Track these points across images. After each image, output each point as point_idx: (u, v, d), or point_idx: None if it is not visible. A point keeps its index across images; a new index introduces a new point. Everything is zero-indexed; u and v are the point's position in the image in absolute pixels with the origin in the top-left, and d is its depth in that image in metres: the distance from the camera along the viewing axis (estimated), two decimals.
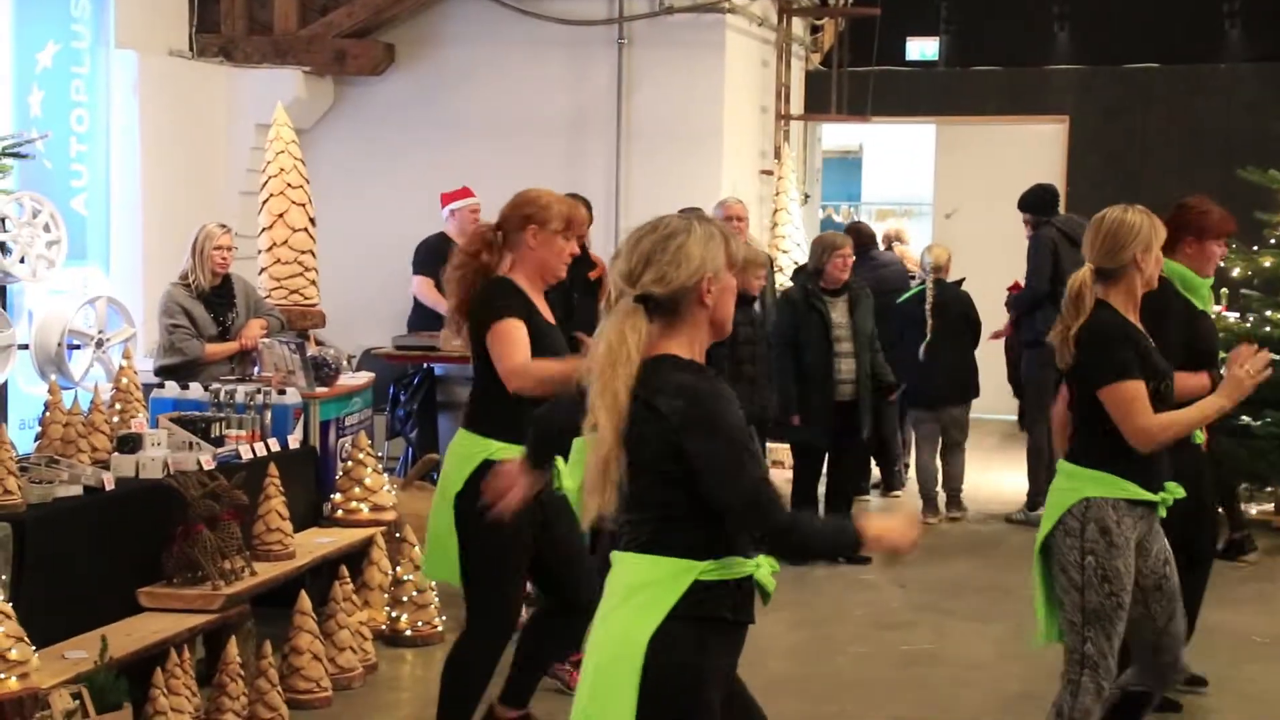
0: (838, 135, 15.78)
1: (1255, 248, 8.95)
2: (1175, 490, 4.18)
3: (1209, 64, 12.68)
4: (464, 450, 4.54)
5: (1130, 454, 4.07)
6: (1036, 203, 9.17)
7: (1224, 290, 9.25)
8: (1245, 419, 8.37)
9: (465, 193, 8.93)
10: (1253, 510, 8.84)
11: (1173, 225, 5.10)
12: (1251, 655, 6.28)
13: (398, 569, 6.24)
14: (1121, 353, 4.08)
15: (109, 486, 5.20)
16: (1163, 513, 4.18)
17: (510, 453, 4.19)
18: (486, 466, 4.25)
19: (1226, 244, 5.46)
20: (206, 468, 5.52)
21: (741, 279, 3.35)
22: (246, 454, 5.96)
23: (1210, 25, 12.21)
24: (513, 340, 4.40)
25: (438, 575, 4.72)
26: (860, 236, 9.74)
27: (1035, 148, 13.14)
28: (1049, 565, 4.19)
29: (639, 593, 2.97)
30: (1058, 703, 4.15)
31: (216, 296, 7.02)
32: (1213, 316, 5.37)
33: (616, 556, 3.06)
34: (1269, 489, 8.69)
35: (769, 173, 11.53)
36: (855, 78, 12.49)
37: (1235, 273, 8.90)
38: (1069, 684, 4.13)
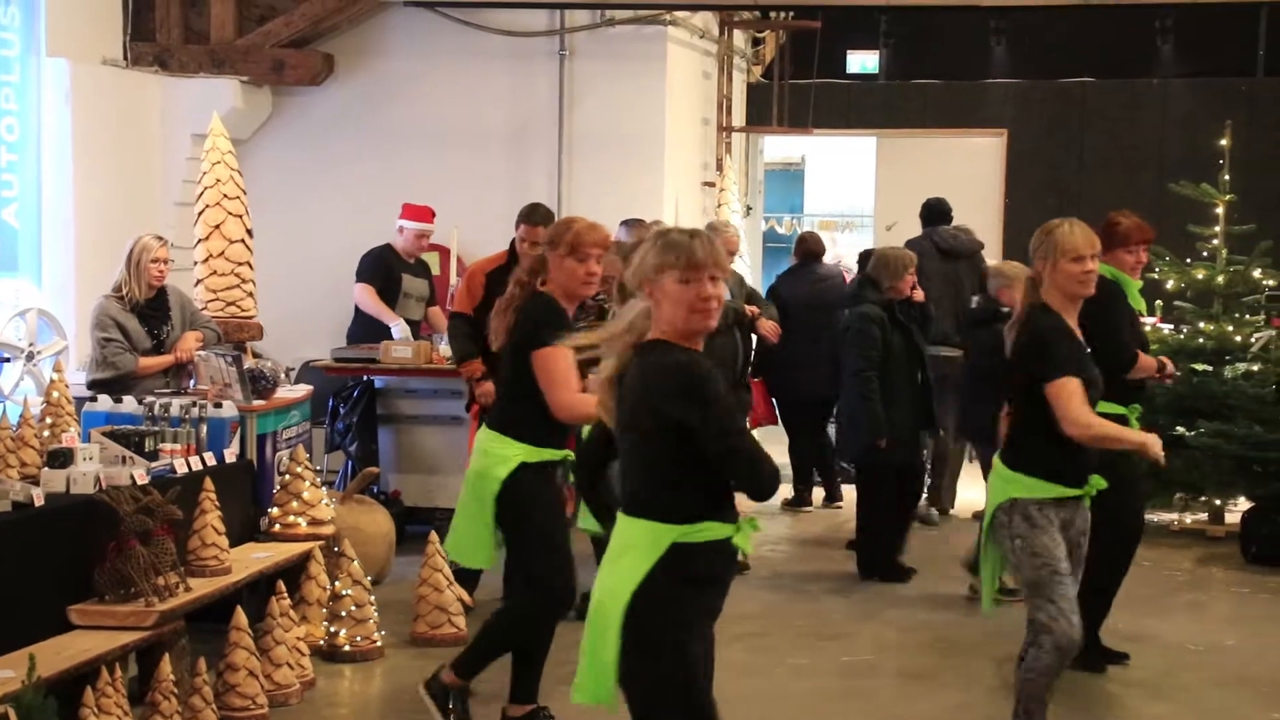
0: (780, 147, 15.86)
1: (1188, 260, 9.06)
2: (1098, 482, 4.71)
3: (1143, 79, 12.84)
4: (500, 452, 4.93)
5: (1057, 454, 4.63)
6: (925, 214, 9.75)
7: (1158, 302, 9.36)
8: (1180, 429, 8.46)
9: (424, 214, 8.89)
10: (1187, 519, 8.93)
11: (1101, 238, 5.60)
12: (1185, 664, 6.33)
13: (336, 584, 6.18)
14: (1061, 351, 4.60)
15: (38, 502, 5.10)
16: (1087, 501, 4.75)
17: (542, 456, 4.89)
18: (523, 469, 4.87)
19: (1146, 251, 5.88)
20: (140, 482, 5.44)
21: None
22: (181, 468, 5.88)
23: (1144, 41, 12.37)
24: (559, 371, 4.76)
25: (475, 562, 5.17)
26: (807, 247, 9.76)
27: (975, 160, 13.25)
28: (993, 547, 4.82)
29: (625, 554, 3.42)
30: (1027, 662, 4.69)
31: (151, 309, 6.93)
32: (1140, 314, 5.96)
33: (619, 515, 3.52)
34: (1203, 499, 8.78)
35: (711, 184, 11.56)
36: (796, 90, 12.56)
37: (1169, 285, 9.00)
38: (1032, 646, 4.68)
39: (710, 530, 3.41)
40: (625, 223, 9.04)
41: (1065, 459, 4.66)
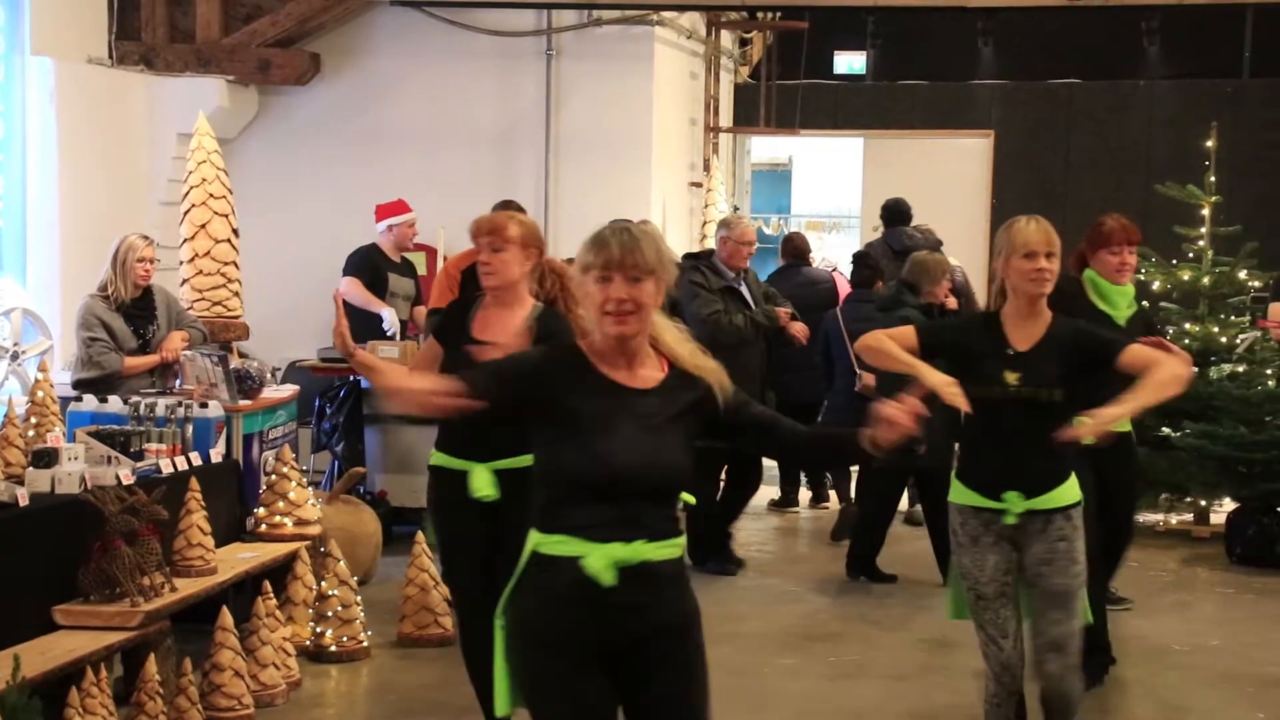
0: (767, 148, 15.86)
1: (1174, 261, 9.08)
2: (1014, 501, 4.30)
3: (1129, 80, 12.87)
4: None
5: (971, 461, 4.46)
6: (885, 216, 9.93)
7: (1144, 303, 9.37)
8: (1165, 430, 8.48)
9: (402, 206, 8.88)
10: (1172, 520, 8.95)
11: (1086, 240, 5.67)
12: (1170, 663, 6.35)
13: (322, 584, 6.17)
14: (935, 322, 4.63)
15: (23, 502, 5.08)
16: (1010, 520, 4.32)
17: (447, 463, 4.75)
18: (434, 474, 4.85)
19: (1133, 254, 5.60)
20: (125, 482, 5.42)
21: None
22: (167, 468, 5.86)
23: (1130, 43, 12.39)
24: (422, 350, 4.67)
25: None
26: (795, 248, 9.76)
27: (961, 161, 13.26)
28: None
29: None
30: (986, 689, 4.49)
31: (137, 309, 6.91)
32: (1122, 324, 5.49)
33: None
34: (1188, 499, 8.80)
35: (698, 185, 11.57)
36: (783, 91, 12.56)
37: (1155, 286, 9.02)
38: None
39: (567, 546, 3.15)
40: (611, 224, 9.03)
41: (974, 467, 4.43)
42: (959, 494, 4.44)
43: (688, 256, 8.25)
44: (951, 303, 7.89)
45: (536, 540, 3.18)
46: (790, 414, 9.29)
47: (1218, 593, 7.63)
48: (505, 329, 4.71)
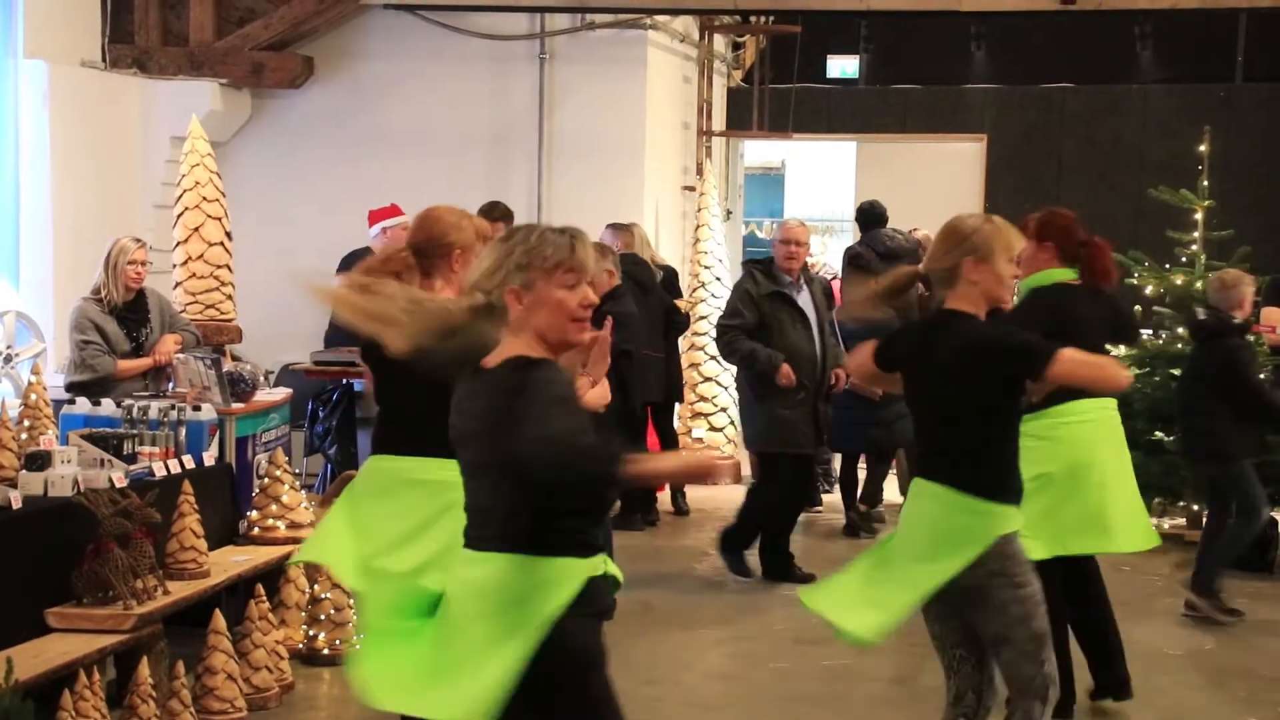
0: (760, 152, 15.87)
1: (1167, 266, 9.09)
2: None
3: (1122, 84, 12.90)
4: None
5: (1015, 479, 4.04)
6: (862, 219, 9.97)
7: (1137, 308, 9.39)
8: (1159, 434, 8.48)
9: (395, 210, 8.87)
10: (1165, 525, 8.95)
11: (1039, 235, 5.34)
12: (1163, 667, 6.36)
13: (315, 587, 6.16)
14: (1029, 334, 4.11)
15: (16, 505, 5.08)
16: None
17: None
18: None
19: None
20: (118, 485, 5.42)
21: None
22: (160, 471, 5.86)
23: (1123, 47, 12.43)
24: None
25: None
26: None
27: (954, 166, 13.29)
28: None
29: None
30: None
31: (130, 311, 6.90)
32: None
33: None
34: (1181, 504, 8.81)
35: (691, 189, 11.57)
36: (777, 95, 12.57)
37: (1148, 290, 9.03)
38: (1037, 703, 4.07)
39: None
40: (611, 226, 9.05)
41: (1015, 478, 4.02)
42: (1016, 521, 3.98)
43: (748, 262, 8.26)
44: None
45: (589, 566, 3.01)
46: None
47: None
48: None
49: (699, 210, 10.99)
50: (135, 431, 6.03)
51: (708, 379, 10.45)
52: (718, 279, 10.56)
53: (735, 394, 10.38)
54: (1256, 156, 12.32)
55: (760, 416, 7.63)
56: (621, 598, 3.58)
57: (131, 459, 5.79)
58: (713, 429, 10.49)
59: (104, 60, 9.56)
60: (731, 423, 10.50)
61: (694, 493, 10.13)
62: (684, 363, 10.02)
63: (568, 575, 2.98)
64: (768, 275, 7.61)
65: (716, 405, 10.45)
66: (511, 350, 3.00)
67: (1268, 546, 8.12)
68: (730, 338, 7.57)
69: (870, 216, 9.87)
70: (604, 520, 3.13)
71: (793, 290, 7.62)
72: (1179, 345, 8.75)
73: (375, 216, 8.91)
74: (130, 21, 9.82)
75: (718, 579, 7.82)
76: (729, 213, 12.85)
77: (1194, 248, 8.97)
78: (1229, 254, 8.93)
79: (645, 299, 8.69)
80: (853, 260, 9.56)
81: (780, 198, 17.75)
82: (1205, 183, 8.90)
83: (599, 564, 3.05)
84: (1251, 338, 8.67)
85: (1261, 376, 8.61)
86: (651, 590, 7.38)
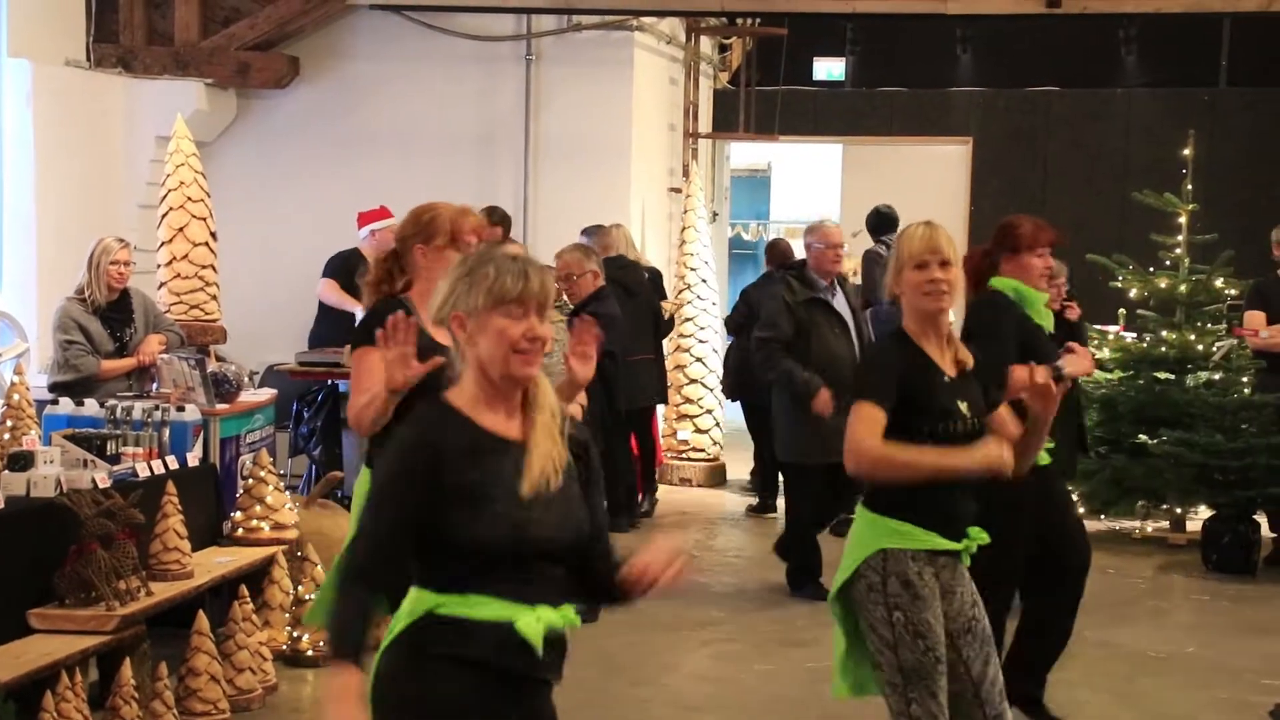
0: (746, 154, 15.90)
1: (1151, 269, 9.12)
2: (979, 536, 3.86)
3: (1107, 88, 12.93)
4: None
5: (919, 501, 3.76)
6: (874, 222, 10.15)
7: (1121, 310, 9.43)
8: (1142, 437, 8.51)
9: (384, 213, 8.88)
10: (1149, 528, 8.98)
11: (995, 244, 5.24)
12: (1147, 670, 6.37)
13: (299, 588, 6.15)
14: (872, 375, 3.90)
15: None
16: (966, 560, 3.87)
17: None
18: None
19: (1051, 254, 5.28)
20: (101, 486, 5.39)
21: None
22: (144, 472, 5.84)
23: (1108, 51, 12.46)
24: (360, 373, 4.17)
25: None
26: (780, 253, 9.78)
27: (940, 168, 13.32)
28: (851, 615, 3.92)
29: None
30: None
31: (114, 311, 6.89)
32: (1047, 331, 5.25)
33: None
34: (1164, 507, 8.84)
35: (677, 190, 11.57)
36: (763, 97, 12.58)
37: (1132, 293, 9.06)
38: None
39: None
40: (587, 230, 9.06)
41: (933, 506, 3.77)
42: (908, 538, 3.76)
43: (781, 267, 8.18)
44: (1071, 313, 7.32)
45: (434, 601, 2.73)
46: (769, 417, 8.80)
47: (1194, 600, 7.65)
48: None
49: (685, 212, 10.99)
50: (119, 432, 6.01)
51: (693, 381, 10.45)
52: (704, 281, 10.57)
53: (719, 397, 10.43)
54: (1240, 160, 12.37)
55: (799, 427, 7.29)
56: None
57: (115, 459, 5.78)
58: (698, 431, 10.50)
59: (88, 59, 9.52)
60: (717, 424, 10.51)
61: (674, 495, 10.15)
62: (669, 364, 10.03)
63: (411, 604, 2.78)
64: (802, 281, 7.35)
65: (702, 407, 10.45)
66: (454, 387, 2.87)
67: (1251, 548, 8.15)
68: (768, 353, 7.27)
69: (884, 220, 10.08)
70: (510, 560, 2.74)
71: (828, 294, 7.36)
72: (1163, 349, 8.78)
73: (364, 219, 8.92)
74: (115, 21, 9.78)
75: (703, 580, 7.83)
76: (715, 215, 12.87)
77: (1178, 251, 8.99)
78: (1212, 258, 8.96)
79: (632, 302, 8.69)
80: (875, 261, 9.65)
81: (766, 200, 17.79)
82: (1189, 186, 8.92)
83: (490, 610, 2.72)
84: (1235, 340, 8.73)
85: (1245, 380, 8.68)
86: None
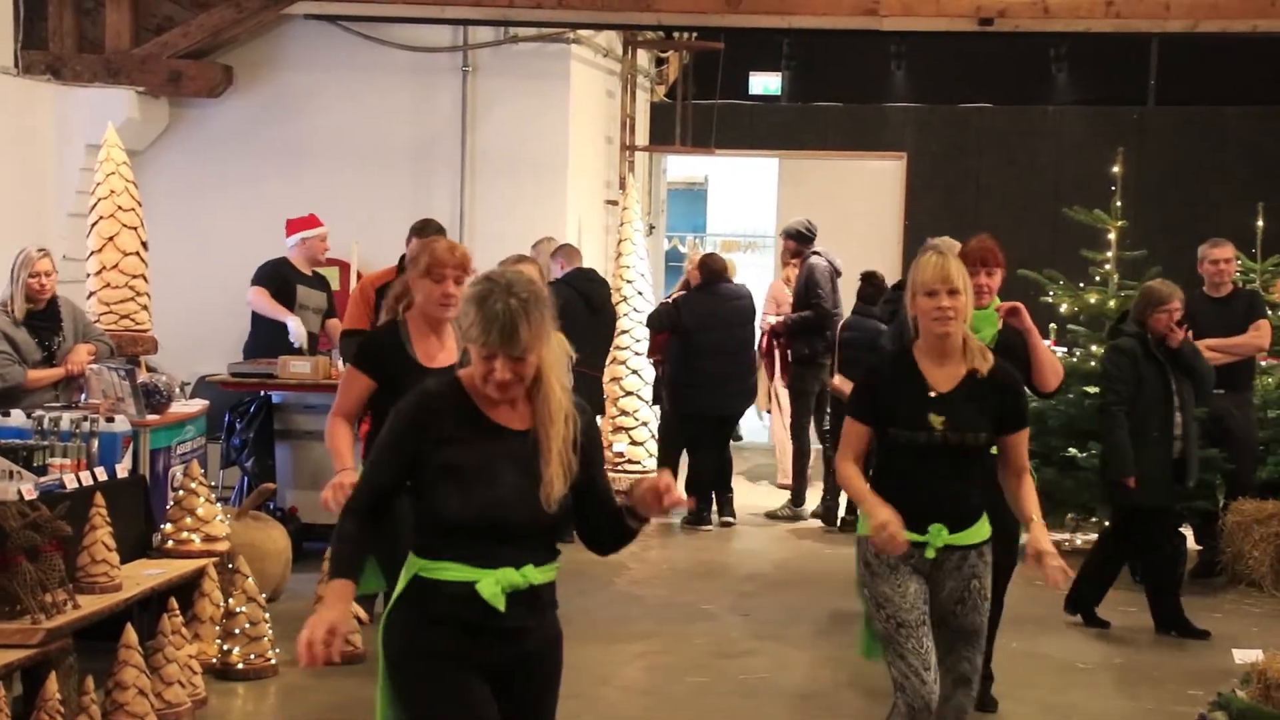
0: (683, 167, 15.94)
1: (1081, 285, 9.23)
2: (938, 532, 4.21)
3: (1038, 105, 13.09)
4: None
5: (889, 494, 4.20)
6: (801, 234, 10.24)
7: (1051, 325, 9.54)
8: (1071, 451, 8.60)
9: (313, 220, 8.84)
10: (1078, 540, 9.09)
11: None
12: (1074, 681, 6.45)
13: (230, 600, 6.09)
14: (855, 393, 4.43)
15: None
16: (930, 554, 4.23)
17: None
18: None
19: (989, 274, 5.43)
20: (27, 498, 5.31)
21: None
22: (71, 483, 5.76)
23: (1039, 69, 12.61)
24: (342, 389, 5.03)
25: (365, 588, 4.86)
26: (712, 269, 9.83)
27: (875, 183, 13.43)
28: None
29: None
30: None
31: (42, 321, 6.80)
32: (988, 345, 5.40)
33: None
34: (1094, 519, 8.94)
35: (614, 203, 11.59)
36: (699, 110, 12.63)
37: (1063, 308, 9.16)
38: (891, 705, 4.33)
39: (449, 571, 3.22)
40: (559, 249, 9.09)
41: (896, 499, 4.19)
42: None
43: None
44: (1175, 337, 7.21)
45: (419, 565, 3.25)
46: (701, 427, 9.09)
47: (1120, 611, 7.73)
48: (450, 356, 4.88)
49: (621, 224, 11.01)
50: (46, 443, 5.94)
51: (629, 393, 10.46)
52: (639, 293, 10.58)
53: (657, 408, 10.44)
54: (1168, 178, 12.56)
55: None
56: None
57: (42, 471, 5.70)
58: (634, 443, 10.50)
59: (16, 66, 9.39)
60: (653, 436, 10.51)
61: None
62: (605, 376, 10.03)
63: (407, 568, 3.29)
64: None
65: (637, 419, 10.46)
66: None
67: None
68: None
69: (807, 236, 10.23)
70: (481, 532, 3.21)
71: None
72: (1092, 363, 8.88)
73: (293, 226, 8.86)
74: (44, 28, 9.65)
75: (637, 593, 7.83)
76: (651, 227, 12.90)
77: (1107, 267, 9.12)
78: (1141, 274, 9.07)
79: (593, 318, 8.74)
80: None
81: (703, 213, 17.86)
82: (1119, 203, 9.05)
83: (457, 573, 3.20)
84: None
85: None
86: (571, 604, 7.31)
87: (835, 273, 10.06)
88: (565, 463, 3.24)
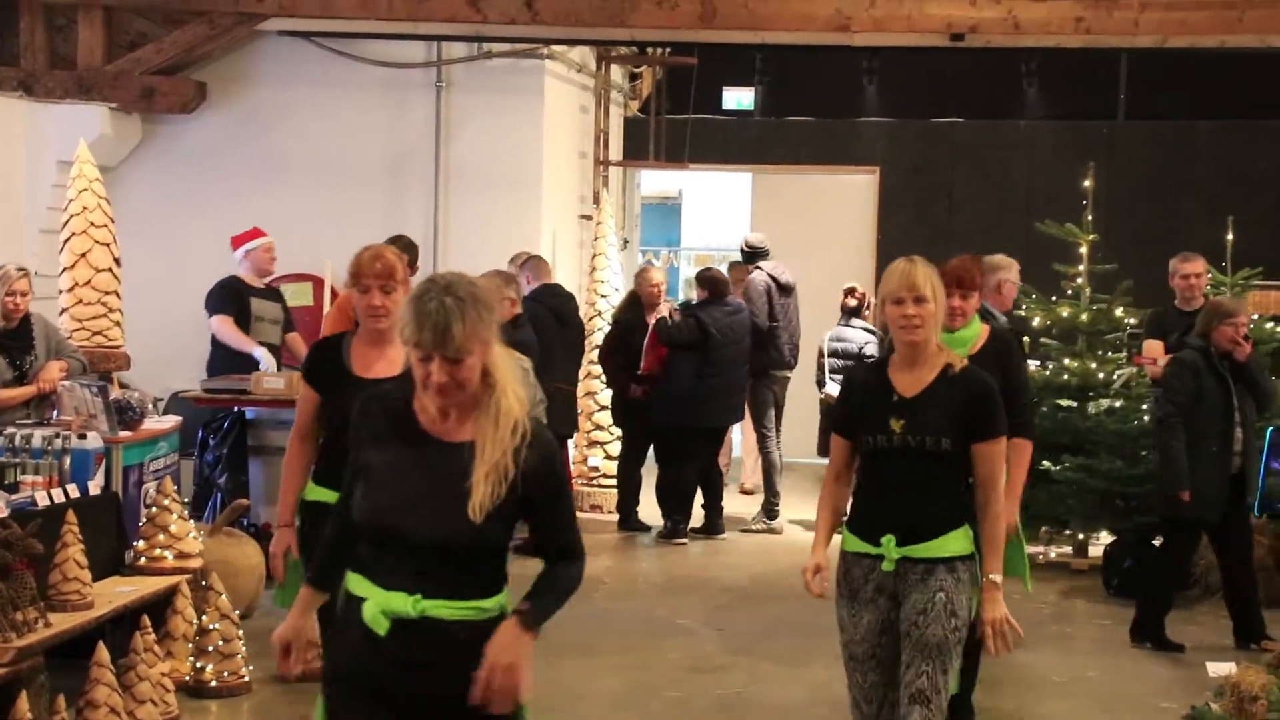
0: (657, 181, 15.96)
1: (1054, 298, 9.28)
2: (888, 545, 4.15)
3: (1010, 120, 13.16)
4: None
5: (858, 506, 4.32)
6: (743, 251, 10.49)
7: (1025, 339, 9.57)
8: (1045, 464, 8.64)
9: (256, 233, 8.77)
10: (1052, 553, 9.11)
11: None
12: (1050, 693, 6.46)
13: (203, 618, 6.06)
14: (835, 408, 4.51)
15: None
16: (888, 566, 4.16)
17: (315, 494, 4.68)
18: (304, 507, 4.72)
19: (964, 297, 5.36)
20: None
21: None
22: (43, 501, 5.73)
23: (1010, 84, 12.68)
24: (297, 407, 4.91)
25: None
26: (714, 284, 9.82)
27: (848, 197, 13.46)
28: None
29: None
30: None
31: (13, 339, 6.77)
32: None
33: None
34: (1067, 532, 8.97)
35: (588, 217, 11.60)
36: (673, 125, 12.66)
37: (1035, 322, 9.21)
38: None
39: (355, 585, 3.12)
40: (526, 261, 9.08)
41: (860, 512, 4.30)
42: (847, 541, 4.29)
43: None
44: (1241, 352, 7.12)
45: (349, 576, 3.18)
46: (691, 439, 9.14)
47: (1095, 624, 7.77)
48: (390, 367, 4.65)
49: (595, 239, 11.02)
50: (18, 460, 5.90)
51: (604, 408, 10.45)
52: (613, 307, 10.59)
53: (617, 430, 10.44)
54: (1139, 192, 12.63)
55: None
56: None
57: (13, 488, 5.67)
58: (609, 458, 10.50)
59: None
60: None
61: (585, 521, 10.14)
62: (580, 391, 10.02)
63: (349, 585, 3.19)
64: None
65: (612, 434, 10.46)
66: None
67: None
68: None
69: (759, 251, 10.35)
70: (383, 544, 3.07)
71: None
72: (1065, 376, 8.93)
73: (237, 241, 8.77)
74: (15, 44, 9.62)
75: (613, 607, 7.82)
76: (626, 242, 12.91)
77: (1079, 280, 9.17)
78: (1113, 287, 9.14)
79: (564, 332, 8.74)
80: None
81: (677, 227, 17.88)
82: (1090, 217, 9.10)
83: (361, 588, 3.10)
84: (1135, 369, 8.90)
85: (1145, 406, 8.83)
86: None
87: (780, 287, 10.11)
88: (502, 473, 3.00)
